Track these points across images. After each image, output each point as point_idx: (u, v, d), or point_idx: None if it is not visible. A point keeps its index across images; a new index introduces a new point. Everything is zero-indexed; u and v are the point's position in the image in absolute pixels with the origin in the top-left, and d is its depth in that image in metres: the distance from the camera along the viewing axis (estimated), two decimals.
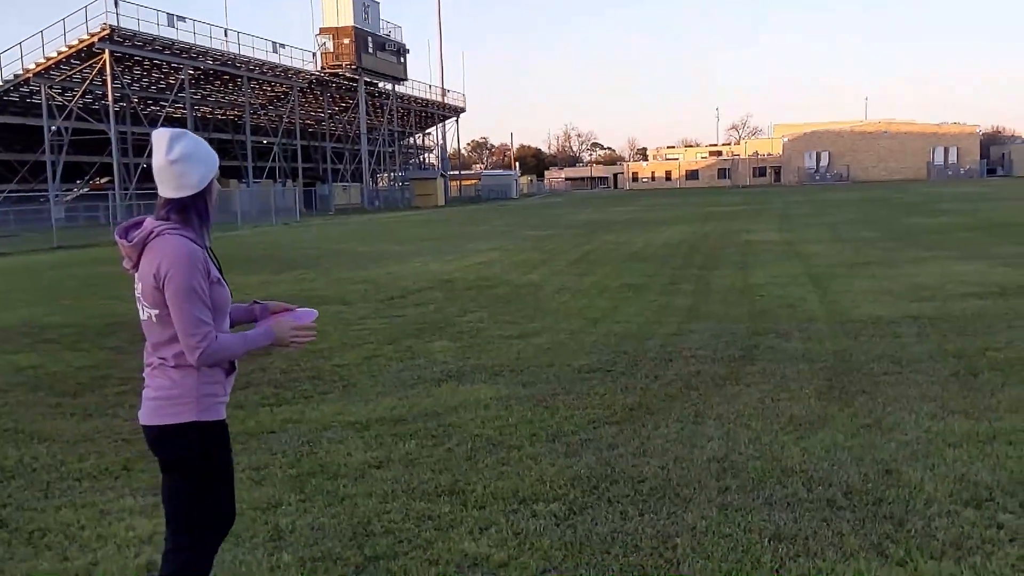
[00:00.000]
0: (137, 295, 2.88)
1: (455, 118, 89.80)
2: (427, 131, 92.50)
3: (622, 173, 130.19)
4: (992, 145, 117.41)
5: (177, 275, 2.75)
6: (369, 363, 8.44)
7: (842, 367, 7.45)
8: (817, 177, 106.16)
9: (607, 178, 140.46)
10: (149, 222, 2.89)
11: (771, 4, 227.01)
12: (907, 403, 6.18)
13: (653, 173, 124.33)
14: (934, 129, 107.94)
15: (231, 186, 56.07)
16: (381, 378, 7.77)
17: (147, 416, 2.86)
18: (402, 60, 74.28)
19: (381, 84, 74.15)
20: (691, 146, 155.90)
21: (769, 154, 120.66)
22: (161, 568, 2.96)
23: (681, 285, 13.83)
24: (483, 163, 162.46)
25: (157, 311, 2.82)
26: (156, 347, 2.87)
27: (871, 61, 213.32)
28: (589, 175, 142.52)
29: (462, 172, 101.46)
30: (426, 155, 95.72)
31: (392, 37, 73.38)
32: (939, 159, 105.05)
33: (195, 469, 2.85)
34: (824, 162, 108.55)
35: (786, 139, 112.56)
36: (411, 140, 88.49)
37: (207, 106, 63.51)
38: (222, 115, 66.39)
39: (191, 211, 2.89)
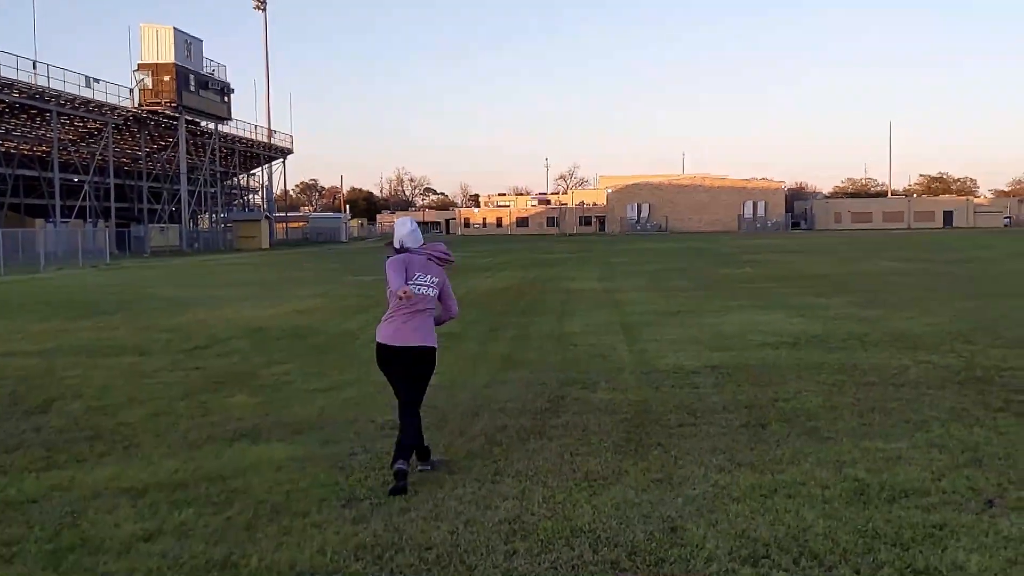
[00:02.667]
0: None
1: (282, 159, 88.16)
2: (252, 172, 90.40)
3: (454, 218, 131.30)
4: (796, 200, 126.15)
5: None
6: (157, 420, 7.90)
7: (641, 418, 7.56)
8: (639, 227, 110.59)
9: (440, 223, 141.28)
10: None
11: (596, 60, 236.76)
12: (698, 456, 6.31)
13: (485, 219, 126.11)
14: (744, 184, 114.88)
15: (36, 225, 52.52)
16: (168, 437, 7.27)
17: None
18: (226, 99, 72.39)
19: (203, 123, 71.92)
20: (522, 194, 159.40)
21: (595, 204, 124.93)
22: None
23: (500, 332, 13.84)
24: (312, 205, 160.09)
25: None
26: None
27: (688, 117, 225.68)
28: (422, 219, 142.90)
29: (289, 214, 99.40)
30: (251, 196, 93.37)
31: (216, 76, 71.43)
32: (749, 212, 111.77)
33: None
34: (645, 213, 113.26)
35: (610, 190, 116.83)
36: (235, 181, 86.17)
37: (11, 141, 59.53)
38: (28, 151, 62.38)
39: None
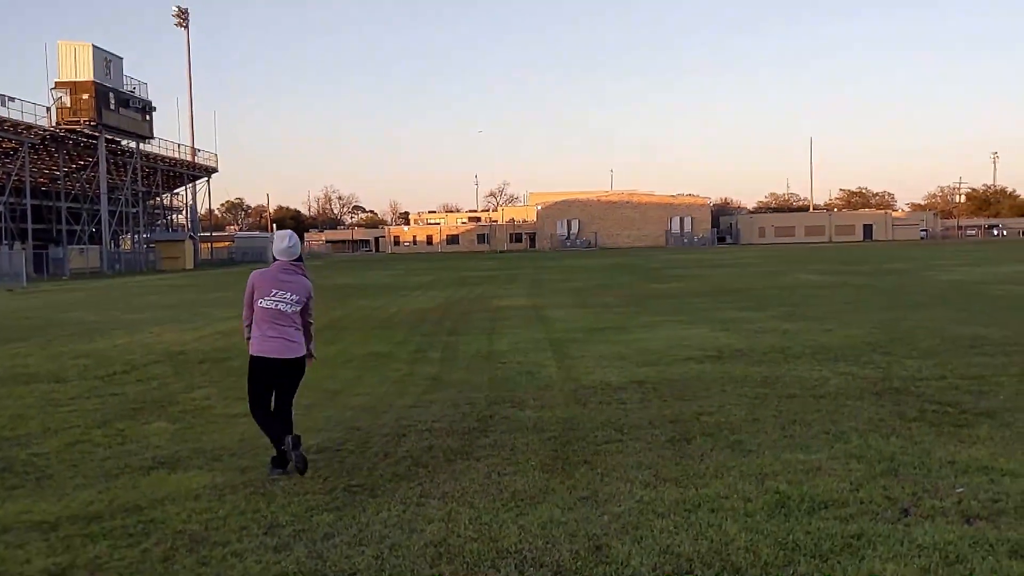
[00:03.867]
0: None
1: (206, 178, 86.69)
2: (175, 191, 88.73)
3: (384, 236, 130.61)
4: (722, 215, 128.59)
5: None
6: (72, 450, 7.64)
7: (569, 436, 7.58)
8: (568, 243, 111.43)
9: (369, 241, 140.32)
10: None
11: (525, 76, 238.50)
12: (624, 472, 6.34)
13: (415, 237, 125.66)
14: (671, 200, 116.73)
15: None
16: (83, 468, 7.03)
17: None
18: (148, 117, 70.95)
19: (124, 142, 70.36)
20: (452, 211, 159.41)
21: (525, 221, 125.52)
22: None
23: (428, 352, 13.78)
24: (238, 225, 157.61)
25: None
26: None
27: (616, 134, 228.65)
28: (351, 238, 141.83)
29: (214, 234, 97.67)
30: (175, 216, 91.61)
31: (137, 94, 70.03)
32: (676, 228, 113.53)
33: None
34: (575, 229, 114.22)
35: (540, 207, 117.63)
36: (158, 200, 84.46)
37: None
38: None
39: None
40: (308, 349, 6.82)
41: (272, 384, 6.60)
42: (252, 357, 6.56)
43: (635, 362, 11.85)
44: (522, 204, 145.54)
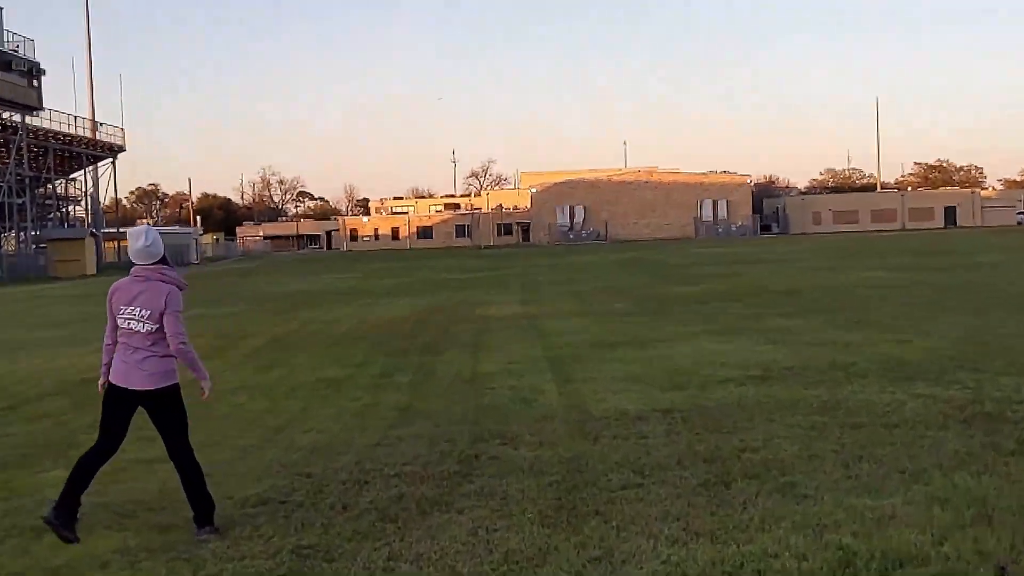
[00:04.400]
0: None
1: (111, 159, 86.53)
2: (72, 176, 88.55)
3: (338, 230, 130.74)
4: (766, 197, 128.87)
5: None
6: None
7: (575, 480, 7.60)
8: (572, 235, 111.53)
9: (319, 237, 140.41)
10: None
11: (512, 31, 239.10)
12: (645, 525, 6.36)
13: (377, 230, 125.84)
14: (701, 180, 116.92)
15: None
16: None
17: None
18: (35, 83, 70.95)
19: (6, 114, 70.22)
20: (423, 197, 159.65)
21: (516, 208, 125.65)
22: None
23: (396, 376, 13.83)
24: (152, 217, 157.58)
25: None
26: None
27: (630, 99, 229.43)
28: (295, 232, 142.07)
29: (122, 229, 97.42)
30: (72, 208, 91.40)
31: (21, 53, 69.96)
32: (707, 214, 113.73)
33: None
34: (579, 217, 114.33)
35: (535, 190, 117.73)
36: (50, 189, 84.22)
37: None
38: None
39: None
40: (200, 375, 7.09)
41: (128, 420, 6.79)
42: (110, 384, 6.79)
43: (657, 385, 11.89)
44: (512, 187, 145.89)
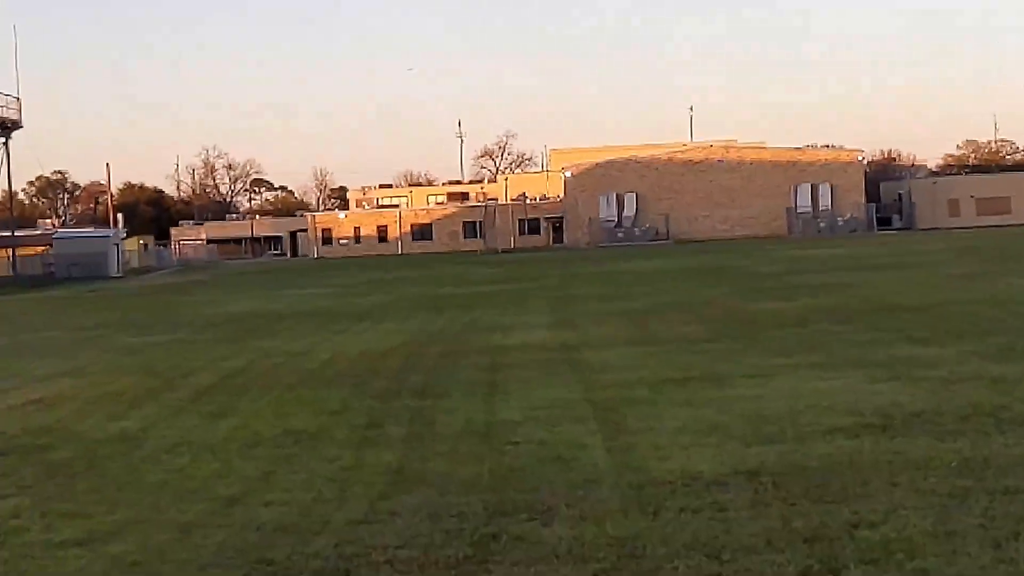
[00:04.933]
0: None
1: (2, 140, 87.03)
2: None
3: (306, 230, 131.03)
4: (884, 180, 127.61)
5: None
6: None
7: (630, 569, 7.57)
8: (620, 234, 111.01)
9: (280, 239, 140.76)
10: None
11: None
12: None
13: (358, 230, 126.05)
14: (796, 156, 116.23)
15: None
16: None
17: None
18: None
19: None
20: (419, 184, 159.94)
21: (544, 197, 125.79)
22: None
23: (386, 428, 13.85)
24: (59, 217, 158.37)
25: None
26: None
27: (695, 51, 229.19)
28: (249, 234, 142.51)
29: (18, 233, 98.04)
30: None
31: None
32: (804, 203, 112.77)
33: None
34: (629, 210, 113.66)
35: (569, 173, 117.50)
36: None
37: None
38: None
39: None
40: None
41: None
42: None
43: (740, 437, 11.84)
44: (539, 170, 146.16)
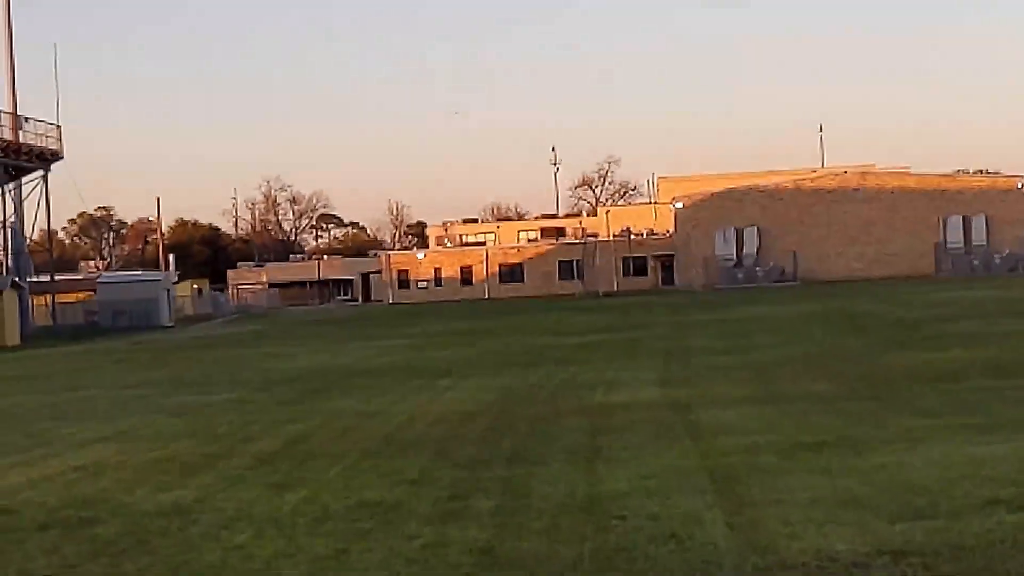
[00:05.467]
0: None
1: (41, 172, 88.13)
2: None
3: (380, 272, 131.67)
4: None
5: None
6: None
7: None
8: (740, 275, 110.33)
9: (351, 282, 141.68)
10: None
11: None
12: None
13: (438, 271, 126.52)
14: (945, 183, 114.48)
15: None
16: None
17: None
18: None
19: None
20: (508, 218, 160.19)
21: (651, 232, 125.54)
22: None
23: (472, 500, 13.78)
24: (103, 259, 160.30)
25: None
26: None
27: (822, 67, 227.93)
28: (315, 277, 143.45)
29: (59, 278, 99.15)
30: None
31: None
32: (956, 237, 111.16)
33: None
34: (751, 247, 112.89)
35: (680, 205, 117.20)
36: None
37: None
38: None
39: None
40: None
41: None
42: None
43: (884, 512, 11.73)
44: (645, 201, 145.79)
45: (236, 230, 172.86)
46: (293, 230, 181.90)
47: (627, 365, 31.79)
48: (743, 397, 22.73)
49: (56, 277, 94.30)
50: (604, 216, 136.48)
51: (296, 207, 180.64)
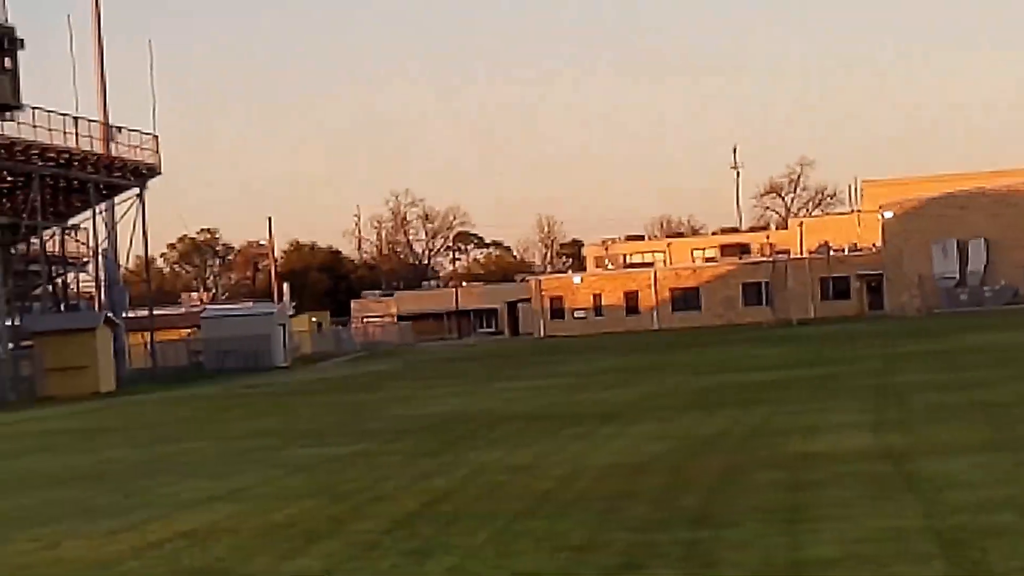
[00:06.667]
0: None
1: (137, 190, 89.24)
2: (72, 223, 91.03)
3: (528, 300, 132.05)
4: None
5: None
6: None
7: None
8: (963, 296, 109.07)
9: (495, 312, 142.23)
10: None
11: None
12: None
13: (598, 298, 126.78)
14: None
15: None
16: None
17: None
18: (9, 62, 73.84)
19: None
20: (680, 234, 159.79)
21: (855, 248, 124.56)
22: None
23: (648, 570, 13.71)
24: (207, 288, 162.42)
25: None
26: None
27: None
28: (453, 307, 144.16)
29: (156, 313, 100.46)
30: (71, 276, 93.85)
31: None
32: None
33: None
34: (977, 262, 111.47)
35: (889, 214, 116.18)
36: (35, 245, 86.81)
37: None
38: None
39: None
40: None
41: None
42: None
43: None
44: (845, 210, 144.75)
45: (360, 254, 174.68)
46: (426, 252, 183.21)
47: (829, 407, 31.56)
48: (972, 444, 22.41)
49: (155, 311, 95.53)
50: (796, 229, 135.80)
51: (429, 225, 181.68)
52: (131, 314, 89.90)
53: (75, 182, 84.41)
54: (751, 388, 39.41)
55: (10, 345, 75.58)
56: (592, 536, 15.97)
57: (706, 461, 22.78)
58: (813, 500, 17.49)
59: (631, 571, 13.74)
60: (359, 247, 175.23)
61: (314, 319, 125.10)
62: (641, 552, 14.72)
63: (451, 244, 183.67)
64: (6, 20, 74.83)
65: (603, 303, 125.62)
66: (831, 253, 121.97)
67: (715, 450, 24.37)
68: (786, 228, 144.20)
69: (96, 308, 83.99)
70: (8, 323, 77.90)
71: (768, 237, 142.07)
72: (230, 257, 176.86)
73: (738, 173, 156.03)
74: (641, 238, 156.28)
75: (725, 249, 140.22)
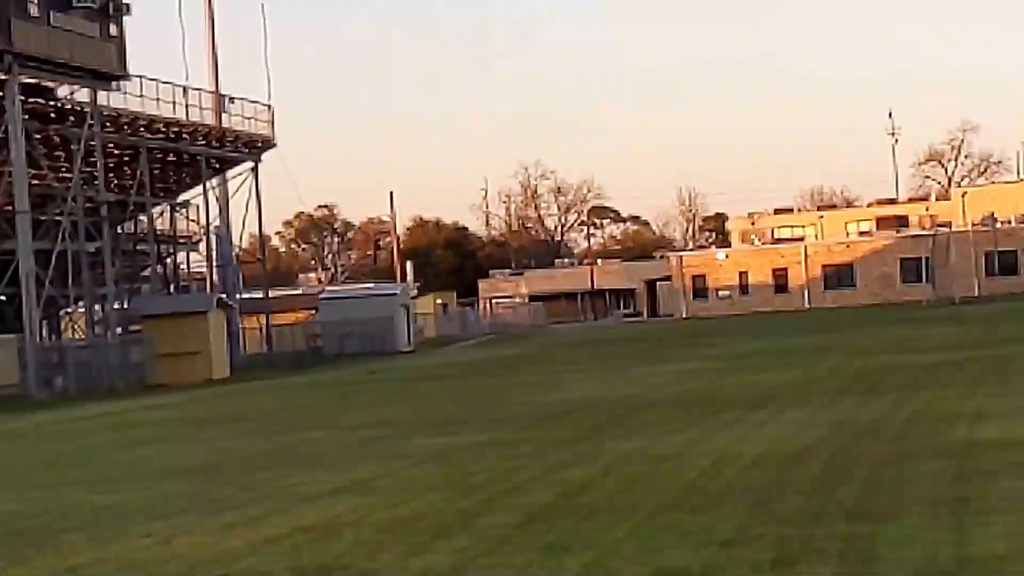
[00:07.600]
0: None
1: (252, 164, 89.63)
2: (182, 199, 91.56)
3: (668, 279, 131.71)
4: None
5: None
6: None
7: None
8: None
9: (632, 292, 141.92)
10: None
11: None
12: None
13: (744, 276, 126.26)
14: None
15: None
16: None
17: None
18: (114, 30, 74.01)
19: (64, 90, 73.86)
20: (833, 206, 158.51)
21: None
22: None
23: (803, 566, 13.63)
24: (326, 268, 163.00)
25: None
26: None
27: None
28: (588, 286, 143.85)
29: (273, 293, 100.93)
30: (181, 256, 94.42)
31: None
32: None
33: None
34: None
35: None
36: (143, 223, 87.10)
37: None
38: None
39: None
40: None
41: None
42: None
43: None
44: (1011, 179, 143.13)
45: (488, 230, 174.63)
46: (558, 228, 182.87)
47: (999, 391, 31.30)
48: None
49: (271, 293, 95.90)
50: (960, 200, 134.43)
51: (561, 199, 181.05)
52: (245, 296, 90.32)
53: (185, 156, 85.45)
54: (911, 371, 39.17)
55: (119, 329, 76.33)
56: (741, 530, 15.90)
57: (864, 449, 22.66)
58: (981, 492, 17.30)
59: (783, 567, 13.67)
60: (487, 223, 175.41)
61: (439, 300, 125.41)
62: (794, 547, 14.62)
63: (585, 219, 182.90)
64: None
65: (749, 281, 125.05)
66: (997, 225, 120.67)
67: (874, 438, 24.23)
68: (948, 199, 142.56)
69: (208, 290, 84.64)
70: (116, 306, 78.81)
71: (928, 209, 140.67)
72: (350, 235, 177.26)
73: (895, 139, 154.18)
74: (790, 211, 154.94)
75: (881, 222, 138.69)
